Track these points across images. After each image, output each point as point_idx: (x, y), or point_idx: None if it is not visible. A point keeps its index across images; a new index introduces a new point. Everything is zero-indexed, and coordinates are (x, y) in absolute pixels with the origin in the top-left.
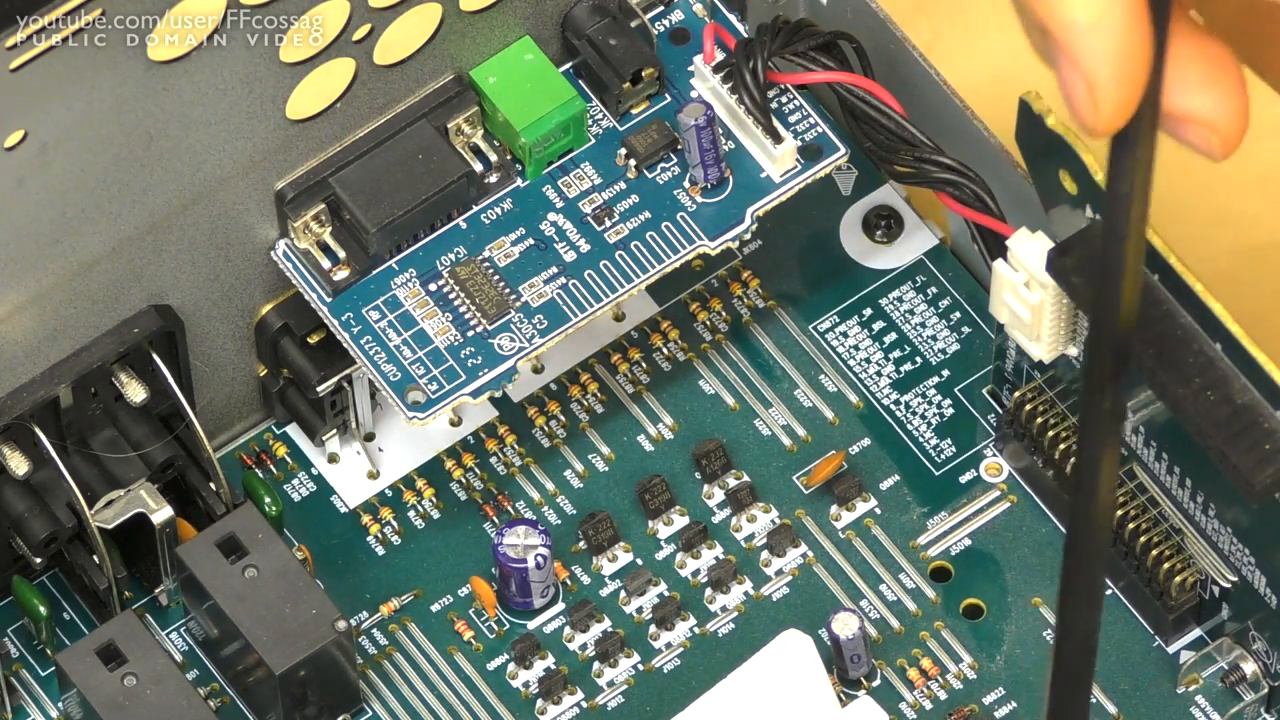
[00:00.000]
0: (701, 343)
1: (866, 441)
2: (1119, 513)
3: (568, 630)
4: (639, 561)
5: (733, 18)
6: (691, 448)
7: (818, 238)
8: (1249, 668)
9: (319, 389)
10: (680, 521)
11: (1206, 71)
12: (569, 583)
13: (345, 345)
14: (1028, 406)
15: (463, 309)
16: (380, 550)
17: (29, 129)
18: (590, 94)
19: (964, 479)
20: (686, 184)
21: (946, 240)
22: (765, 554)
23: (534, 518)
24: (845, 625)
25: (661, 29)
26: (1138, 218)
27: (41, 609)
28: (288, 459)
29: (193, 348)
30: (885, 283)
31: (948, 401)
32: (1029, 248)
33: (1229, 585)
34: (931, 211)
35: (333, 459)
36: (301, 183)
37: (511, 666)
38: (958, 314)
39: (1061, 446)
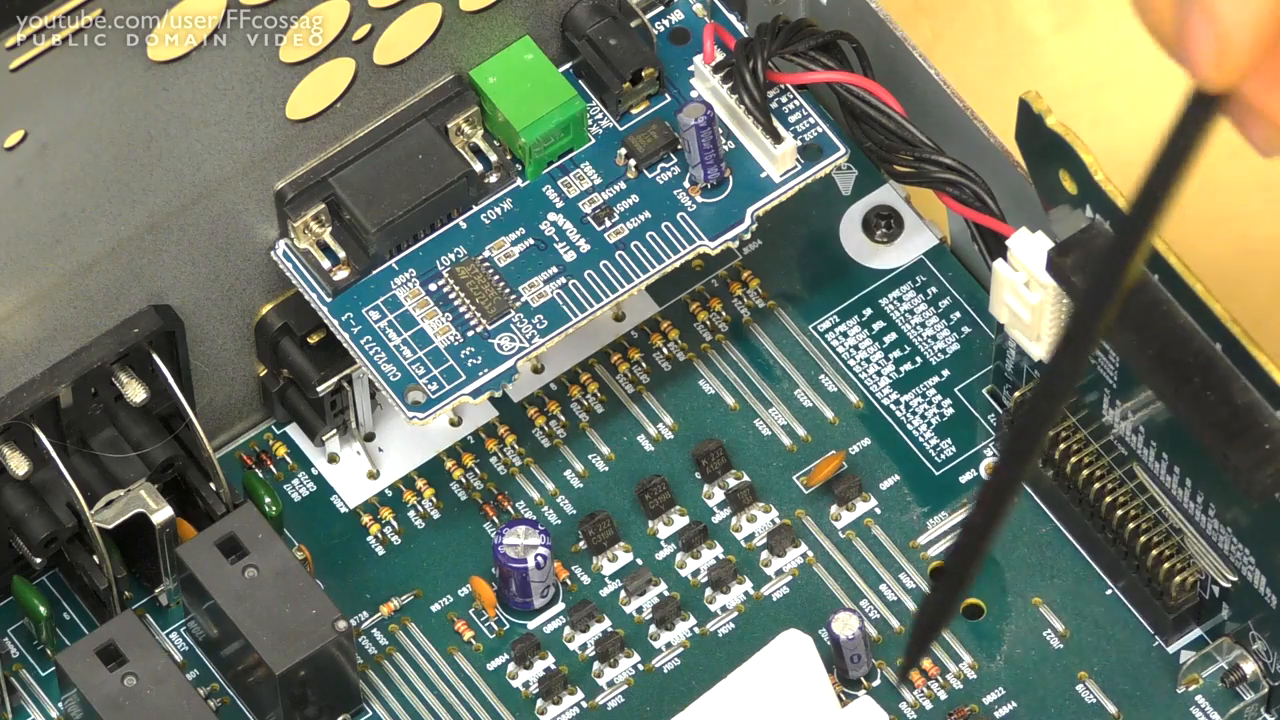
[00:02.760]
0: (701, 343)
1: (866, 441)
2: (1119, 513)
3: (568, 630)
4: (639, 561)
5: (733, 18)
6: (691, 448)
7: (818, 238)
8: (1249, 668)
9: (319, 389)
10: (680, 521)
11: None
12: (569, 583)
13: (345, 345)
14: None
15: (463, 309)
16: (380, 550)
17: (29, 129)
18: (590, 94)
19: (964, 479)
20: (686, 184)
21: (946, 240)
22: (765, 554)
23: (534, 518)
24: (845, 625)
25: (661, 29)
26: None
27: (41, 609)
28: (288, 459)
29: (193, 348)
30: (885, 283)
31: (948, 401)
32: (1029, 248)
33: (1229, 585)
34: (931, 211)
35: (333, 459)
36: (301, 183)
37: (511, 666)
38: (958, 314)
39: (1061, 446)
